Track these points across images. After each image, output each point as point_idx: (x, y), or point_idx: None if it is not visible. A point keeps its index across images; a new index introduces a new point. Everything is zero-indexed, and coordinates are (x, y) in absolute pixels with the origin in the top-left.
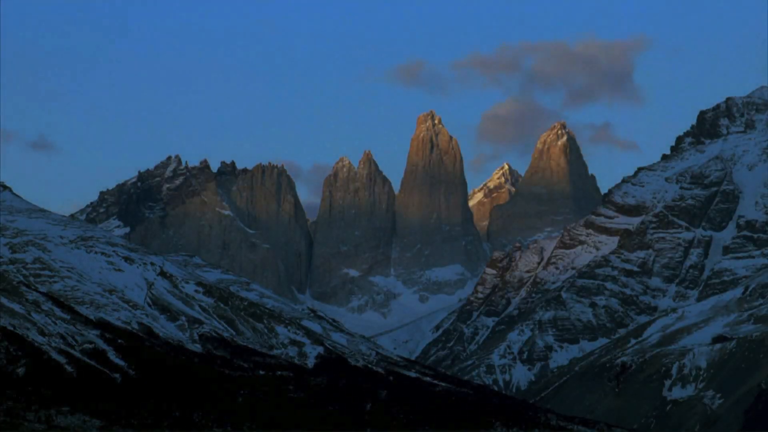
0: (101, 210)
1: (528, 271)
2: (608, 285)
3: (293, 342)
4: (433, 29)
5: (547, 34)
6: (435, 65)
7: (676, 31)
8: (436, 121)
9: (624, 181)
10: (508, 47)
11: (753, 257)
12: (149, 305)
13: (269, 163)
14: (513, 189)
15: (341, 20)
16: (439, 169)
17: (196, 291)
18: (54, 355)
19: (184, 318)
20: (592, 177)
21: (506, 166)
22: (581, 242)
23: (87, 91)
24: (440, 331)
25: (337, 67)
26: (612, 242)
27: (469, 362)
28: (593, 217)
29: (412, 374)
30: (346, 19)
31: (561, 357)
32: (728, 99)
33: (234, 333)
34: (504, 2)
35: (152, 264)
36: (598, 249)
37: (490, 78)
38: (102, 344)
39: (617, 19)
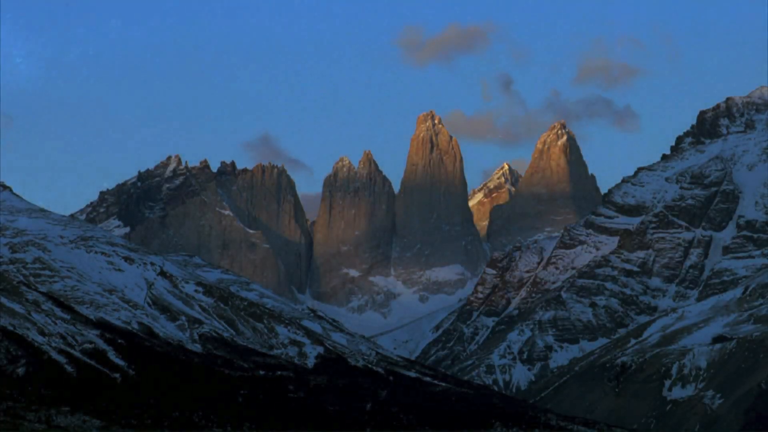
0: (101, 210)
1: (528, 271)
2: (608, 285)
3: (293, 342)
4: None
5: (550, 29)
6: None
7: (676, 30)
8: (436, 121)
9: (624, 181)
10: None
11: (753, 257)
12: (149, 305)
13: (269, 163)
14: (513, 189)
15: (342, 20)
16: (439, 169)
17: (196, 291)
18: (54, 355)
19: (184, 318)
20: (592, 177)
21: (506, 166)
22: (581, 242)
23: (86, 91)
24: (440, 331)
25: (336, 67)
26: (612, 242)
27: (469, 362)
28: (593, 217)
29: (412, 374)
30: (344, 18)
31: (561, 357)
32: (728, 99)
33: (234, 333)
34: None
35: (152, 264)
36: (598, 249)
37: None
38: (102, 344)
39: (616, 17)
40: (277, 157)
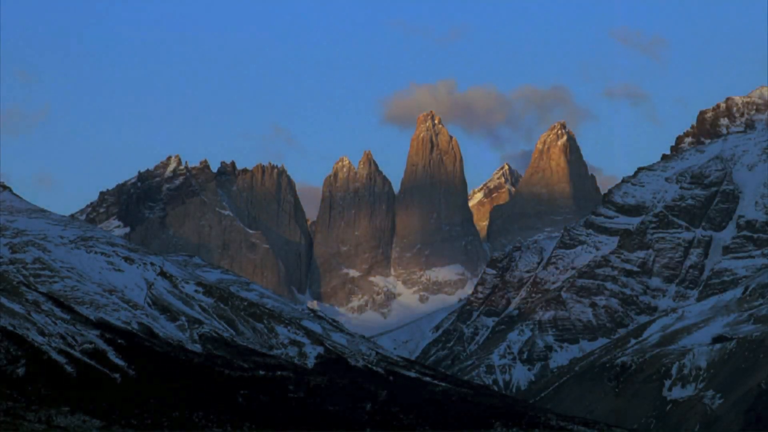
0: (101, 210)
1: (528, 271)
2: (608, 285)
3: (293, 342)
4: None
5: (549, 26)
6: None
7: (676, 30)
8: (436, 121)
9: (624, 181)
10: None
11: (753, 257)
12: (149, 305)
13: (269, 163)
14: (513, 189)
15: (340, 20)
16: (439, 169)
17: (196, 291)
18: (54, 355)
19: (184, 318)
20: (592, 177)
21: (506, 166)
22: (581, 242)
23: (87, 91)
24: (440, 331)
25: (338, 64)
26: (612, 242)
27: (469, 362)
28: (593, 217)
29: (412, 374)
30: (346, 20)
31: (561, 357)
32: (728, 99)
33: (234, 333)
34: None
35: (152, 264)
36: (598, 249)
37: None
38: (102, 344)
39: (616, 17)
40: (277, 156)
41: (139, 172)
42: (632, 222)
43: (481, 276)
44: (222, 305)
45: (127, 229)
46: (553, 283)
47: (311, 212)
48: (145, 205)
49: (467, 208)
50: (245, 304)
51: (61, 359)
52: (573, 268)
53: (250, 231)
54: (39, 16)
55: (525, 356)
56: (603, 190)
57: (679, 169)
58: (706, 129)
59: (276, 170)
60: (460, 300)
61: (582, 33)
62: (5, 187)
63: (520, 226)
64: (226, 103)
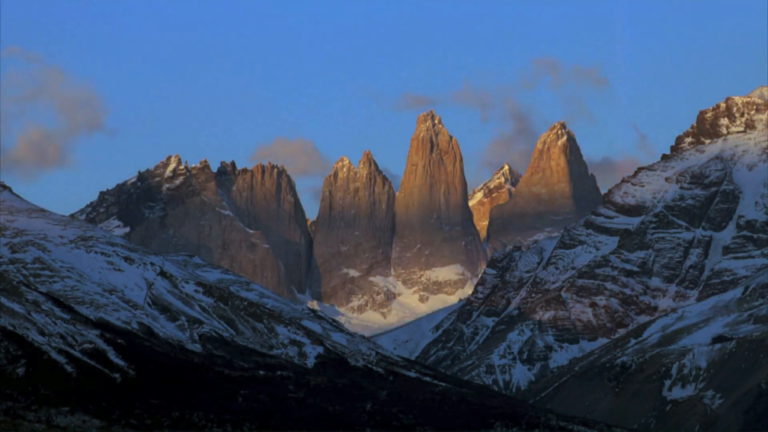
0: (101, 210)
1: (528, 271)
2: (608, 285)
3: (293, 342)
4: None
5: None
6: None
7: (676, 30)
8: (436, 121)
9: (624, 181)
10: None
11: (753, 257)
12: (149, 305)
13: (269, 163)
14: (513, 189)
15: (341, 21)
16: (439, 169)
17: (196, 291)
18: (54, 355)
19: (184, 318)
20: (592, 177)
21: (506, 166)
22: (581, 242)
23: (86, 91)
24: (440, 331)
25: (337, 64)
26: (612, 242)
27: (469, 362)
28: (593, 217)
29: (412, 374)
30: (346, 21)
31: (561, 357)
32: (728, 99)
33: (234, 333)
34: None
35: (152, 264)
36: (598, 249)
37: None
38: (102, 344)
39: (616, 17)
40: (277, 156)
41: (139, 172)
42: (632, 222)
43: (481, 276)
44: (222, 305)
45: (127, 229)
46: (553, 283)
47: (311, 212)
48: (145, 205)
49: (467, 208)
50: (245, 304)
51: (61, 359)
52: (573, 268)
53: (250, 231)
54: (38, 15)
55: (525, 356)
56: (603, 190)
57: (679, 169)
58: (706, 129)
59: (276, 170)
60: (460, 300)
61: (579, 31)
62: (5, 187)
63: (520, 226)
64: (226, 103)
